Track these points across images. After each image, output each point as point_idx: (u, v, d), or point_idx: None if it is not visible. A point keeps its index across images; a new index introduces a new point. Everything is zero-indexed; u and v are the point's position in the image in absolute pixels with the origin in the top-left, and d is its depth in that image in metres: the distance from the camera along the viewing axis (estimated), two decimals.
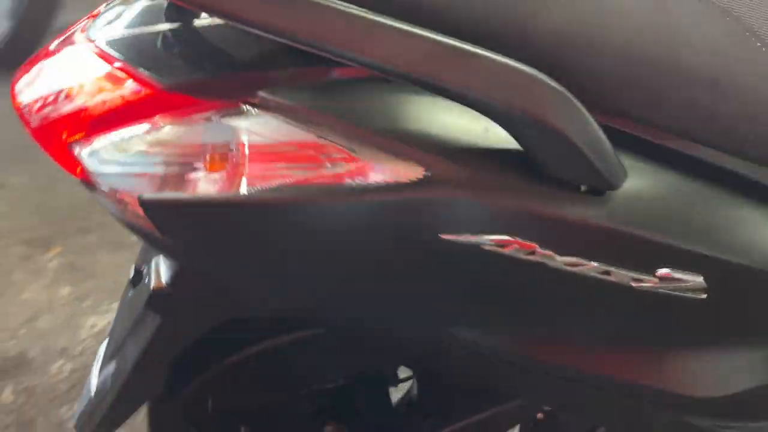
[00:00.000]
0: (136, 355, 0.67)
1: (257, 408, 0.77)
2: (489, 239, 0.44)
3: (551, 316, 0.50)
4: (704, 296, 0.50)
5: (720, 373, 0.58)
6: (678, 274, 0.48)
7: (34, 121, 0.51)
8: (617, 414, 0.62)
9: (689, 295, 0.50)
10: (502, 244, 0.44)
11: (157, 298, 0.61)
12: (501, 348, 0.51)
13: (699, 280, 0.49)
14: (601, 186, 0.44)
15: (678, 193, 0.48)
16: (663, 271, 0.48)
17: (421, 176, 0.43)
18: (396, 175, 0.43)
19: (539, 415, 0.80)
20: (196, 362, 0.72)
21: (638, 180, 0.47)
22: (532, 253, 0.45)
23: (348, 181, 0.44)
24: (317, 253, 0.47)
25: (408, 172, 0.43)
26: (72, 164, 0.50)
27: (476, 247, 0.44)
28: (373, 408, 0.86)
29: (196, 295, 0.61)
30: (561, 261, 0.46)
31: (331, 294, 0.51)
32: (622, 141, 0.48)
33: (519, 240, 0.44)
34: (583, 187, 0.45)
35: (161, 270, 0.61)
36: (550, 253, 0.45)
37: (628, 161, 0.47)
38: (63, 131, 0.50)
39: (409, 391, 0.87)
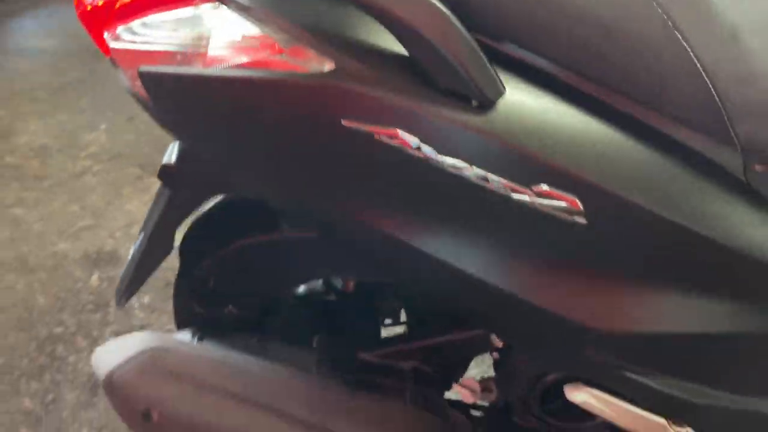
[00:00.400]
0: (152, 224, 0.82)
1: (250, 296, 0.90)
2: (380, 130, 0.53)
3: (441, 214, 0.58)
4: (584, 221, 0.55)
5: (620, 310, 0.61)
6: (554, 191, 0.54)
7: (82, 10, 0.67)
8: (523, 337, 0.68)
9: (570, 218, 0.55)
10: (390, 136, 0.53)
11: (165, 174, 0.75)
12: (402, 239, 0.59)
13: (573, 200, 0.54)
14: (474, 96, 0.51)
15: (561, 117, 0.54)
16: (539, 187, 0.54)
17: (330, 68, 0.53)
18: (312, 65, 0.54)
19: (494, 354, 0.85)
20: (204, 249, 0.86)
21: (524, 100, 0.53)
22: (417, 148, 0.53)
23: (276, 66, 0.55)
24: (256, 129, 0.58)
25: (322, 63, 0.53)
26: (105, 46, 0.66)
27: (371, 136, 0.53)
28: (359, 326, 0.95)
29: (193, 172, 0.74)
30: (443, 160, 0.53)
31: (272, 171, 0.62)
32: (517, 67, 0.55)
33: (404, 134, 0.53)
34: (474, 102, 0.53)
35: (173, 151, 0.76)
36: (433, 151, 0.53)
37: (522, 85, 0.54)
38: (98, 19, 0.65)
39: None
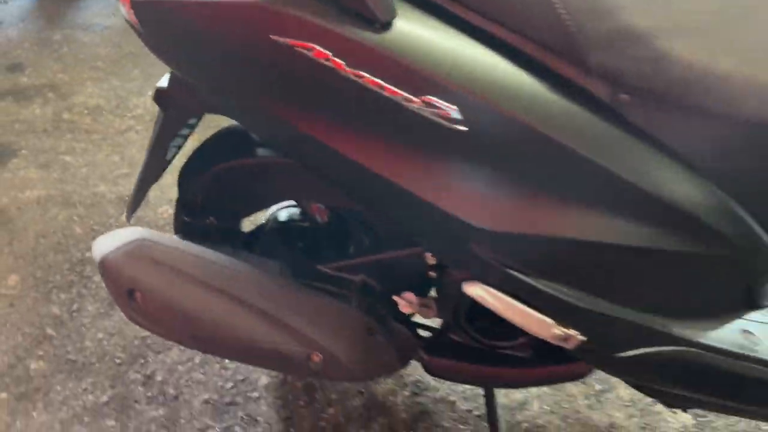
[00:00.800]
0: (151, 143, 0.98)
1: (226, 210, 1.05)
2: (299, 43, 0.67)
3: (349, 116, 0.70)
4: (465, 129, 0.67)
5: (499, 210, 0.72)
6: (438, 101, 0.66)
7: None
8: (421, 232, 0.79)
9: (452, 125, 0.67)
10: (307, 48, 0.67)
11: (158, 97, 0.91)
12: (318, 138, 0.72)
13: (454, 109, 0.66)
14: (371, 17, 0.65)
15: (446, 40, 0.66)
16: (426, 97, 0.67)
17: None
18: None
19: (431, 273, 0.97)
20: (194, 173, 1.02)
21: (416, 24, 0.66)
22: (327, 60, 0.67)
23: None
24: (210, 46, 0.73)
25: None
26: None
27: (292, 49, 0.67)
28: (328, 251, 1.09)
29: (179, 94, 0.90)
30: (349, 71, 0.67)
31: (225, 83, 0.76)
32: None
33: (317, 48, 0.66)
34: (377, 25, 0.66)
35: (165, 78, 0.92)
36: (342, 62, 0.67)
37: (416, 13, 0.67)
38: None
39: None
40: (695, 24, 0.66)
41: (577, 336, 0.81)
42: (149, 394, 1.24)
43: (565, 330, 0.80)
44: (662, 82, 0.67)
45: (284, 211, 1.14)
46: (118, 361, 1.30)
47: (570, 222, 0.73)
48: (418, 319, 1.04)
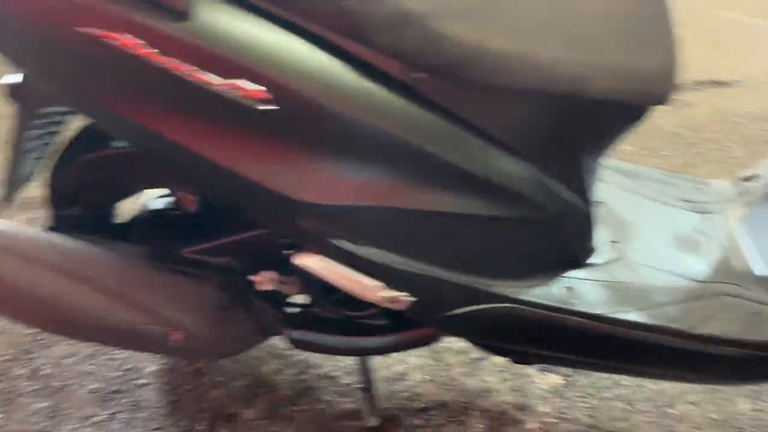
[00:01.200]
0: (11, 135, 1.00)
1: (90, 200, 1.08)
2: (108, 34, 0.71)
3: (167, 101, 0.75)
4: (276, 107, 0.73)
5: (317, 184, 0.79)
6: (242, 84, 0.72)
7: None
8: (255, 211, 0.85)
9: (264, 105, 0.73)
10: (113, 39, 0.71)
11: (10, 90, 0.94)
12: (143, 125, 0.77)
13: (261, 90, 0.72)
14: (169, 8, 0.70)
15: (251, 28, 0.72)
16: (235, 81, 0.72)
17: None
18: None
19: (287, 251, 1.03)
20: (63, 167, 1.05)
21: (221, 14, 0.72)
22: (134, 48, 0.71)
23: None
24: (27, 41, 0.76)
25: None
26: None
27: (97, 39, 0.71)
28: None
29: (29, 88, 0.93)
30: (156, 59, 0.72)
31: (50, 78, 0.79)
32: None
33: (123, 37, 0.71)
34: (176, 15, 0.71)
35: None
36: (154, 51, 0.71)
37: (221, 4, 0.72)
38: None
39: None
40: (467, 7, 0.74)
41: (404, 298, 0.87)
42: (35, 387, 1.26)
43: (394, 293, 0.87)
44: (443, 61, 0.74)
45: (157, 200, 1.18)
46: (7, 357, 1.32)
47: (386, 192, 0.79)
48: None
